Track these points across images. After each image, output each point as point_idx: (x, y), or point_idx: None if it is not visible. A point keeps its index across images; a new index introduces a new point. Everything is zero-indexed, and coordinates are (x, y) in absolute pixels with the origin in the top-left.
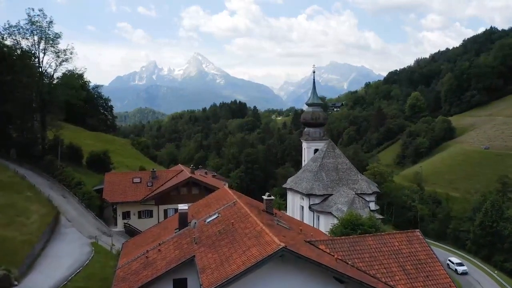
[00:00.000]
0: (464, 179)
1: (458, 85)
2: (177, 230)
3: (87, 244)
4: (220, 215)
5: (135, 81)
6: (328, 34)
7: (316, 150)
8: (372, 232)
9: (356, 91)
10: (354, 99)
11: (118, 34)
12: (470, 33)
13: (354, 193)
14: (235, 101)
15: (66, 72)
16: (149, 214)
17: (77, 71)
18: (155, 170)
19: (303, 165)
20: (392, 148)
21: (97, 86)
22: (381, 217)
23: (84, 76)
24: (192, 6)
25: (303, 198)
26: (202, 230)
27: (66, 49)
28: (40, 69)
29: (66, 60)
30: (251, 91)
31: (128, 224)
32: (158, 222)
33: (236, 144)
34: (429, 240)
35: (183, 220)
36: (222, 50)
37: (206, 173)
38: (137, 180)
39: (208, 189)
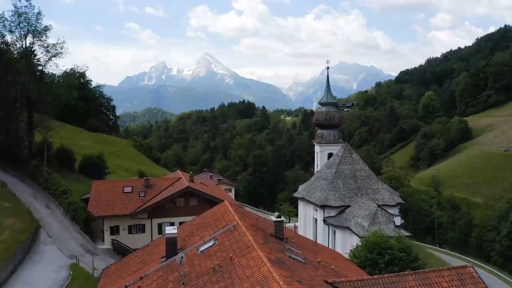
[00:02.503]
0: (483, 183)
1: (474, 85)
2: (164, 258)
3: (65, 267)
4: (217, 242)
5: (144, 81)
6: (336, 34)
7: (330, 155)
8: (404, 257)
9: (366, 91)
10: (365, 99)
11: (126, 34)
12: (480, 32)
13: (375, 205)
14: (244, 101)
15: (67, 71)
16: (141, 228)
17: (78, 70)
18: (148, 178)
19: (315, 170)
20: (406, 150)
21: (99, 86)
22: (408, 234)
23: (86, 75)
24: (199, 6)
25: (316, 210)
26: (193, 263)
27: (57, 43)
28: (27, 64)
29: (56, 55)
30: (259, 91)
31: (117, 240)
32: (151, 238)
33: (243, 146)
34: (449, 251)
35: (172, 246)
36: (230, 50)
37: (211, 176)
38: (128, 189)
39: (208, 201)
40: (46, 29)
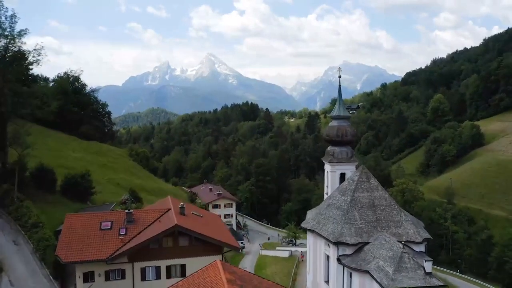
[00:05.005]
0: (499, 193)
1: (485, 87)
2: None
3: None
4: None
5: (148, 81)
6: (339, 34)
7: (342, 175)
8: None
9: (371, 92)
10: (372, 101)
11: (128, 34)
12: (484, 31)
13: (401, 246)
14: (247, 102)
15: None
16: (121, 274)
17: (72, 74)
18: (131, 210)
19: (325, 192)
20: (415, 155)
21: (93, 90)
22: (441, 283)
23: (81, 79)
24: (202, 6)
25: (328, 245)
26: None
27: (34, 49)
28: None
29: (33, 63)
30: (263, 91)
31: None
32: (133, 285)
33: (245, 153)
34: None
35: None
36: (233, 50)
37: (211, 189)
38: (106, 225)
39: (201, 240)
40: (22, 33)
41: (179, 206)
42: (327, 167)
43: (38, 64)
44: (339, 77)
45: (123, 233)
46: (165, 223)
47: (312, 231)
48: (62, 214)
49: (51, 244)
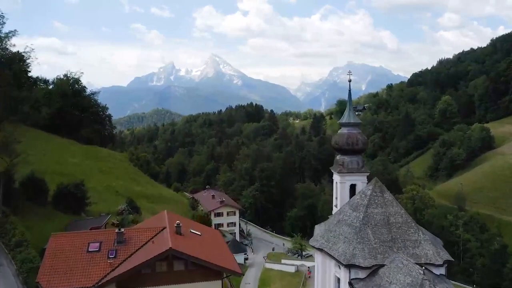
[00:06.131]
0: (511, 198)
1: (494, 89)
2: None
3: None
4: None
5: (153, 82)
6: (342, 34)
7: (352, 186)
8: None
9: (377, 93)
10: (378, 103)
11: (132, 34)
12: (488, 31)
13: (421, 272)
14: (251, 103)
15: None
16: None
17: (72, 76)
18: (122, 230)
19: (334, 204)
20: (423, 158)
21: (93, 93)
22: None
23: (81, 81)
24: (205, 7)
25: (339, 267)
26: None
27: (24, 51)
28: None
29: (24, 64)
30: (267, 91)
31: None
32: None
33: (249, 157)
34: None
35: None
36: (236, 51)
37: (213, 196)
38: (94, 247)
39: (198, 265)
40: (10, 34)
41: (175, 225)
42: (336, 177)
43: (28, 66)
44: (349, 81)
45: (113, 256)
46: (158, 245)
47: (321, 250)
48: (53, 228)
49: (36, 265)
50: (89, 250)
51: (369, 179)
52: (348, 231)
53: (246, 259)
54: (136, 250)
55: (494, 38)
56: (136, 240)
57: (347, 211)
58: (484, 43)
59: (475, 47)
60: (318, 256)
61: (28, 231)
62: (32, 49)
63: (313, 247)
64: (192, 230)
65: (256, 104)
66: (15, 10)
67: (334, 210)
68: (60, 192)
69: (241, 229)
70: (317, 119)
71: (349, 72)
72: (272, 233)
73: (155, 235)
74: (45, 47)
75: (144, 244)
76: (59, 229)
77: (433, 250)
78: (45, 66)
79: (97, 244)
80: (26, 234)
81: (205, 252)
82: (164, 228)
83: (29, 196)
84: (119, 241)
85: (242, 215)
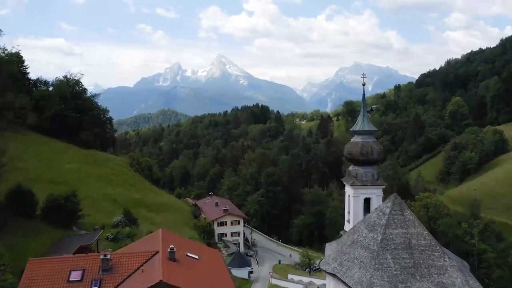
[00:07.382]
0: None
1: (507, 90)
2: None
3: None
4: None
5: (159, 82)
6: (348, 34)
7: (367, 200)
8: None
9: (384, 94)
10: (386, 104)
11: (137, 35)
12: (496, 31)
13: None
14: (257, 104)
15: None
16: None
17: (73, 77)
18: (108, 256)
19: (346, 219)
20: (433, 162)
21: (93, 96)
22: None
23: (81, 83)
24: (210, 7)
25: None
26: None
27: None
28: None
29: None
30: (273, 92)
31: None
32: None
33: (255, 161)
34: None
35: None
36: (242, 51)
37: (217, 204)
38: (76, 276)
39: None
40: None
41: (169, 249)
42: (349, 190)
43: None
44: (363, 84)
45: (96, 286)
46: (148, 274)
47: (333, 275)
48: (38, 246)
49: None
50: (70, 279)
51: (383, 191)
52: (365, 254)
53: (250, 272)
54: (123, 280)
55: (504, 38)
56: (123, 268)
57: (362, 230)
58: (491, 43)
59: (482, 47)
60: (330, 281)
61: (9, 252)
62: (19, 50)
63: (325, 271)
64: (188, 254)
65: (262, 105)
66: (19, 11)
67: (346, 225)
68: (49, 205)
69: (245, 238)
70: (324, 121)
71: (363, 74)
72: (278, 242)
73: (146, 261)
74: (51, 48)
75: (132, 273)
76: (46, 246)
77: (461, 278)
78: (52, 67)
79: (79, 273)
80: (5, 256)
81: (202, 281)
82: (157, 252)
83: (15, 210)
84: (105, 269)
85: (247, 222)
